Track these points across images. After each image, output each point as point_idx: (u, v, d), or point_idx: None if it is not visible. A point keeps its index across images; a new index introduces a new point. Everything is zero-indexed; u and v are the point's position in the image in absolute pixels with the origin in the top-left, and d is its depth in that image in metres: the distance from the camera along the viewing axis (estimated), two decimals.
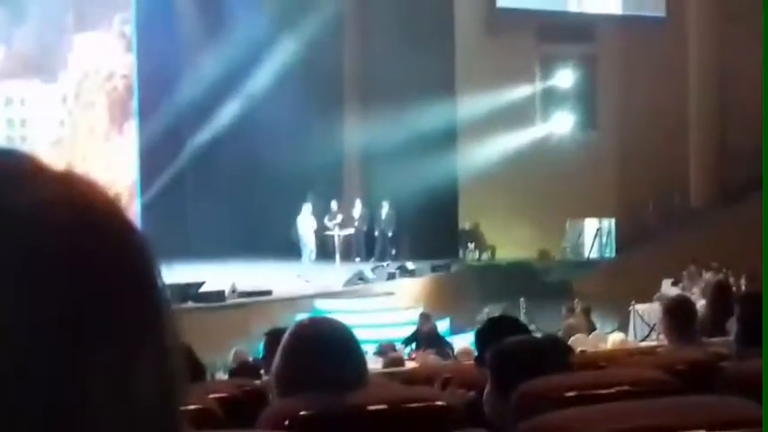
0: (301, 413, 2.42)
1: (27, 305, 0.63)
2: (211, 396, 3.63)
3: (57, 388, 0.63)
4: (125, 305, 0.66)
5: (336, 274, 18.84)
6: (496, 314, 9.92)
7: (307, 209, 20.38)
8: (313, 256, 20.16)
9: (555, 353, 3.20)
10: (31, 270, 0.64)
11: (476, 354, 5.69)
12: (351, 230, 20.99)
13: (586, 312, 13.94)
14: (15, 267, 0.63)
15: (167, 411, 0.69)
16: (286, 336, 2.59)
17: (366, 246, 21.36)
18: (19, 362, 0.62)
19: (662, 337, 11.31)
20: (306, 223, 20.24)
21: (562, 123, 23.37)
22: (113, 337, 0.65)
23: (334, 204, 21.02)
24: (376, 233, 21.36)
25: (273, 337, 5.01)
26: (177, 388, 0.70)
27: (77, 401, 0.64)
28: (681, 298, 6.13)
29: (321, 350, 2.49)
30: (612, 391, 2.71)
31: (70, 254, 0.65)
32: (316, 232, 20.47)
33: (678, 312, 5.06)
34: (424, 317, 14.47)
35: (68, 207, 0.66)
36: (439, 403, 2.63)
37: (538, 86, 23.32)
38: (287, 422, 2.39)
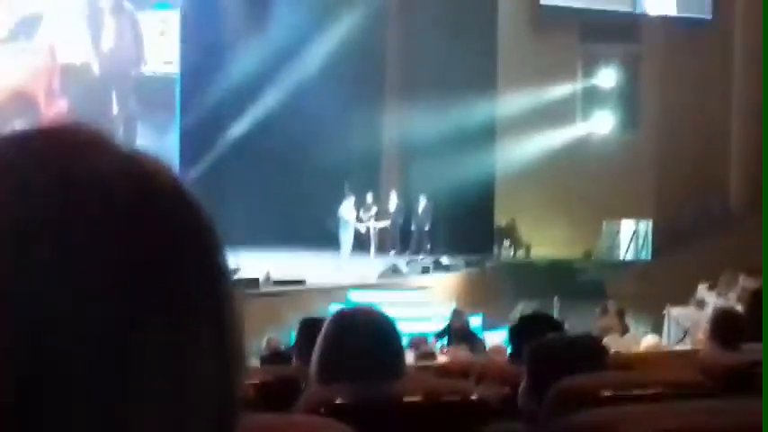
0: (337, 401, 2.43)
1: (82, 277, 0.62)
2: (246, 382, 3.64)
3: (106, 364, 0.62)
4: (184, 283, 0.65)
5: (371, 265, 18.85)
6: (530, 312, 9.88)
7: (349, 201, 20.39)
8: (350, 248, 20.20)
9: (591, 352, 3.16)
10: (90, 241, 0.63)
11: (508, 350, 5.69)
12: (386, 223, 21.00)
13: (620, 314, 13.84)
14: (77, 238, 0.62)
15: (226, 394, 0.68)
16: (327, 323, 2.60)
17: (401, 239, 21.34)
18: (66, 338, 0.61)
19: (696, 341, 11.23)
20: (348, 215, 20.28)
21: (603, 123, 23.20)
22: (171, 315, 0.64)
23: (369, 197, 21.03)
24: (412, 227, 21.33)
25: (307, 325, 5.00)
26: (237, 370, 0.69)
27: (130, 379, 0.63)
28: (730, 310, 6.15)
29: (361, 339, 2.50)
30: (649, 392, 2.70)
31: (129, 227, 0.64)
32: (354, 224, 20.53)
33: (726, 323, 5.06)
34: (457, 313, 14.45)
35: (133, 181, 0.66)
36: (474, 397, 2.64)
37: (579, 85, 23.17)
38: (323, 409, 2.40)
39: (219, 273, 0.68)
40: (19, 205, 0.63)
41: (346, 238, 20.15)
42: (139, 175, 0.66)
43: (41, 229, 0.62)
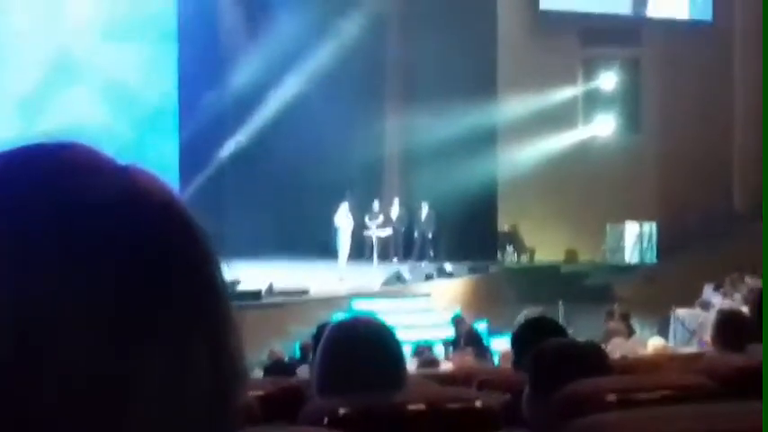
0: (341, 411, 2.44)
1: (79, 295, 0.62)
2: (249, 393, 3.62)
3: (101, 382, 0.62)
4: (180, 300, 0.65)
5: (374, 274, 18.81)
6: (532, 316, 9.77)
7: (343, 208, 20.35)
8: (346, 255, 20.15)
9: (592, 358, 3.14)
10: (88, 261, 0.63)
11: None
12: (389, 231, 20.96)
13: (626, 317, 13.80)
14: (74, 257, 0.62)
15: (221, 411, 0.67)
16: (326, 334, 2.61)
17: (404, 246, 21.31)
18: (63, 355, 0.61)
19: (702, 343, 11.18)
20: (342, 222, 20.22)
21: (604, 126, 23.19)
22: (165, 332, 0.64)
23: (375, 205, 21.00)
24: (415, 234, 21.30)
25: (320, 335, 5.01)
26: (233, 387, 0.68)
27: (122, 397, 0.62)
28: (735, 311, 6.12)
29: (361, 350, 2.50)
30: (656, 395, 2.69)
31: (126, 246, 0.64)
32: (353, 231, 20.45)
33: (730, 325, 5.03)
34: (459, 321, 14.46)
35: (128, 200, 0.65)
36: (477, 404, 2.65)
37: (580, 89, 23.16)
38: (326, 420, 2.41)
39: (213, 288, 0.67)
40: (12, 228, 0.63)
41: (342, 246, 20.11)
42: (135, 193, 0.66)
43: (34, 252, 0.62)
